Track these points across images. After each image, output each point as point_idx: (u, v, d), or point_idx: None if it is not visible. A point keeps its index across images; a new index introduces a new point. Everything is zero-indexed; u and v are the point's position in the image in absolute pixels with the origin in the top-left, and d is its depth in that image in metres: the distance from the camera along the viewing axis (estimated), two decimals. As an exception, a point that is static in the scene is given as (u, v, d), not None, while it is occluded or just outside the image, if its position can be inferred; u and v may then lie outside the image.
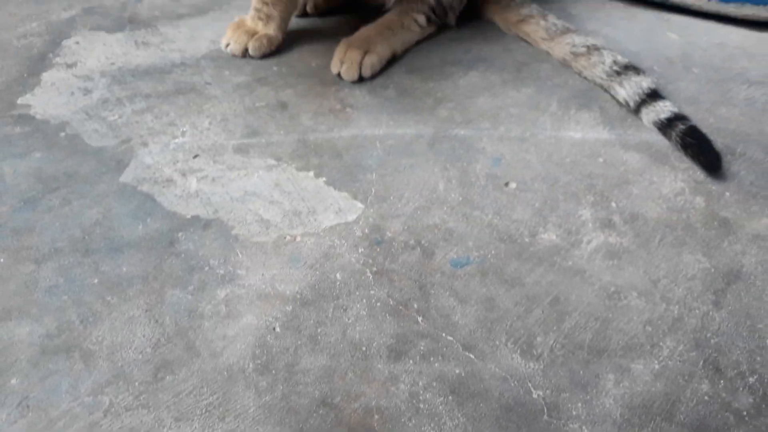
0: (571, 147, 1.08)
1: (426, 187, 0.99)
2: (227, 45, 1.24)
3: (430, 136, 1.09)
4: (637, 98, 1.14)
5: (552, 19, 1.33)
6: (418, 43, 1.33)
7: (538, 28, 1.32)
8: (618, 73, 1.19)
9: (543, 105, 1.18)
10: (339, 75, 1.20)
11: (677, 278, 0.86)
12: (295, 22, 1.31)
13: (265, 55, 1.24)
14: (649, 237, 0.92)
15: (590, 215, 0.95)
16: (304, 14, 1.35)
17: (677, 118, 1.08)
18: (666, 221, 0.95)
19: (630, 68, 1.18)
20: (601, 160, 1.05)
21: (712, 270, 0.87)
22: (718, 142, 1.10)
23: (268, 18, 1.22)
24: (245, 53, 1.23)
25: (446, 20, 1.35)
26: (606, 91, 1.21)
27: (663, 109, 1.10)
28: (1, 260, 0.83)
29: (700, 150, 1.04)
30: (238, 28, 1.24)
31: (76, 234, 0.87)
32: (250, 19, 1.24)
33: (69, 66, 1.19)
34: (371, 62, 1.20)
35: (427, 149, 1.06)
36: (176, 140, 1.04)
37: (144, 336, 0.74)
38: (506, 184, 1.00)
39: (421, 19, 1.30)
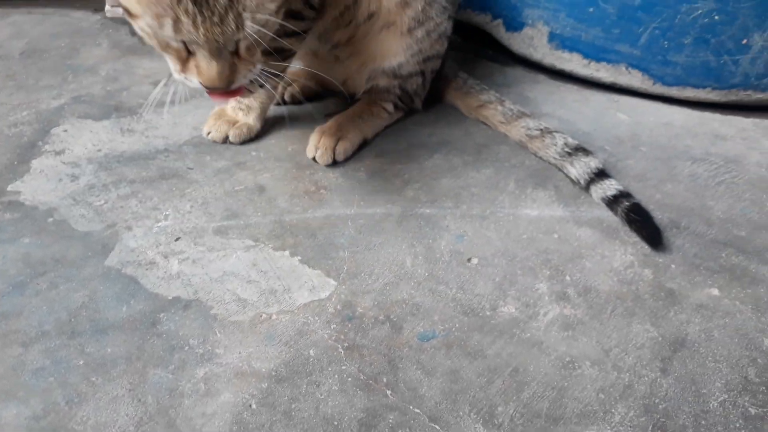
0: (528, 224, 1.16)
1: (395, 263, 1.06)
2: (208, 133, 1.32)
3: (399, 215, 1.17)
4: (586, 177, 1.24)
5: (508, 104, 1.44)
6: (387, 127, 1.43)
7: (495, 112, 1.43)
8: (569, 154, 1.30)
9: (501, 185, 1.27)
10: (314, 159, 1.28)
11: (627, 347, 0.93)
12: (273, 109, 1.41)
13: (245, 142, 1.33)
14: (601, 308, 0.99)
15: (546, 288, 1.03)
16: (281, 102, 1.45)
17: (622, 195, 1.18)
18: (617, 293, 1.02)
19: (579, 149, 1.29)
20: (556, 236, 1.14)
21: (660, 339, 0.95)
22: (665, 216, 1.20)
23: (248, 108, 1.32)
24: (226, 140, 1.32)
25: (413, 106, 1.45)
26: (559, 170, 1.31)
27: (609, 187, 1.20)
28: (-10, 344, 0.87)
29: (643, 225, 1.13)
30: (219, 118, 1.33)
31: (62, 317, 0.91)
32: (230, 109, 1.33)
33: (57, 153, 1.26)
34: (344, 148, 1.29)
35: (396, 227, 1.14)
36: (159, 224, 1.10)
37: (127, 415, 0.78)
38: (469, 260, 1.07)
39: (389, 106, 1.40)
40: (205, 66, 0.90)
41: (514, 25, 1.68)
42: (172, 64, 0.95)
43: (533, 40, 1.66)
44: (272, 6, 0.89)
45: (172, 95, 1.01)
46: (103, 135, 1.33)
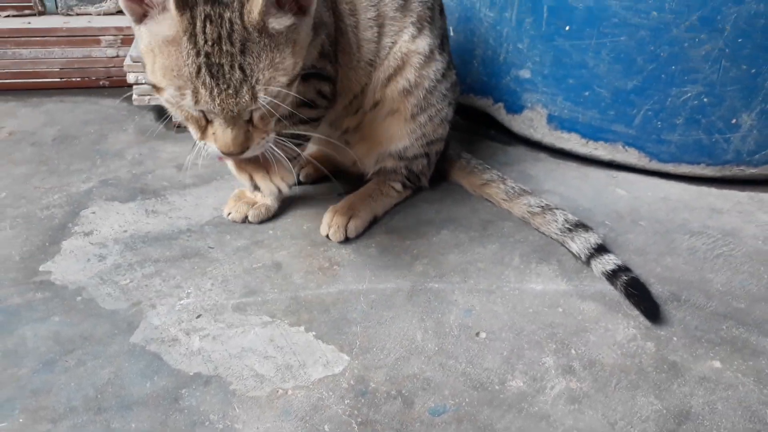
0: (534, 298, 1.21)
1: (405, 337, 1.10)
2: (229, 213, 1.40)
3: (408, 290, 1.22)
4: (587, 252, 1.30)
5: (510, 182, 1.52)
6: (397, 205, 1.50)
7: (498, 190, 1.51)
8: (570, 230, 1.36)
9: (507, 260, 1.33)
10: (328, 236, 1.35)
11: (633, 420, 0.96)
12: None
13: (263, 221, 1.41)
14: (606, 381, 1.03)
15: (553, 362, 1.06)
16: (297, 183, 1.53)
17: (621, 270, 1.23)
18: (621, 366, 1.06)
19: (580, 225, 1.35)
20: (560, 309, 1.18)
21: (664, 411, 0.97)
22: (665, 290, 1.24)
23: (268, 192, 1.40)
24: (245, 220, 1.39)
25: (420, 184, 1.54)
26: (561, 245, 1.37)
27: (609, 262, 1.26)
28: (21, 420, 0.91)
29: (641, 299, 1.18)
30: (239, 200, 1.41)
31: (89, 393, 0.96)
32: (249, 191, 1.42)
33: (86, 234, 1.34)
34: (356, 225, 1.36)
35: (406, 302, 1.19)
36: (181, 302, 1.16)
37: (150, 490, 0.82)
38: (477, 334, 1.12)
39: (398, 186, 1.48)
40: (221, 133, 0.98)
41: (515, 108, 1.79)
42: (193, 131, 1.03)
43: (533, 122, 1.76)
44: (284, 80, 0.96)
45: (197, 156, 1.09)
46: (129, 216, 1.41)
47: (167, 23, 0.91)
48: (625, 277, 1.22)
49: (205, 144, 1.03)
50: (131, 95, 1.84)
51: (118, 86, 2.05)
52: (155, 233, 1.36)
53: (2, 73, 1.97)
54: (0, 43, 1.95)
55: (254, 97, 0.93)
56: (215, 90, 0.91)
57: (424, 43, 1.36)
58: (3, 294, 1.16)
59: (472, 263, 1.31)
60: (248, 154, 1.03)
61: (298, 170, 1.53)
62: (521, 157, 1.79)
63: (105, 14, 2.11)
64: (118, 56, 2.03)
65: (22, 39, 1.97)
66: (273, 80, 0.94)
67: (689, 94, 1.53)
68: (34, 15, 2.06)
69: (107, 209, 1.43)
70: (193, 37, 0.90)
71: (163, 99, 0.98)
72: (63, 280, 1.21)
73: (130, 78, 1.80)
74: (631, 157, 1.66)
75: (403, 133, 1.40)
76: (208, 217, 1.43)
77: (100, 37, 2.01)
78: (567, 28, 1.59)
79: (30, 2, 2.05)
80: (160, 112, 1.89)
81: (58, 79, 2.02)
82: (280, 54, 0.95)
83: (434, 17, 1.42)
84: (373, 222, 1.43)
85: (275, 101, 0.96)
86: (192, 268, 1.25)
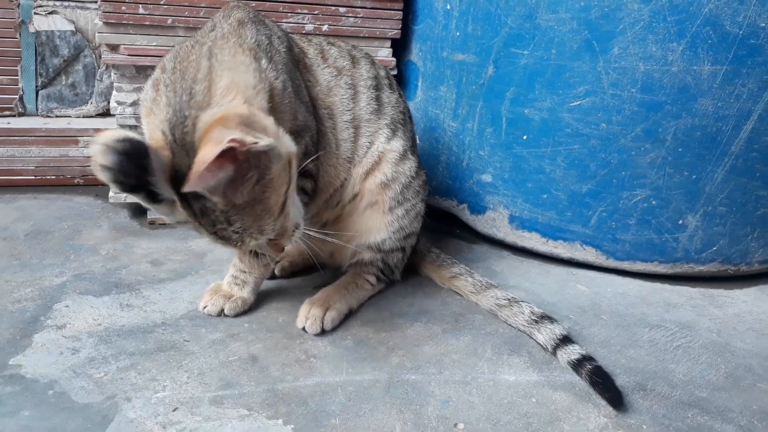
0: (508, 389, 1.24)
1: (385, 430, 1.11)
2: (205, 307, 1.41)
3: (386, 381, 1.24)
4: (552, 342, 1.36)
5: (477, 276, 1.59)
6: (371, 298, 1.54)
7: (466, 283, 1.58)
8: (536, 322, 1.42)
9: (480, 351, 1.37)
10: (304, 329, 1.37)
11: (611, 506, 0.97)
12: (264, 284, 1.52)
13: (239, 314, 1.42)
14: (582, 468, 1.05)
15: (530, 450, 1.08)
16: (272, 276, 1.57)
17: (585, 359, 1.29)
18: (595, 453, 1.09)
19: (545, 317, 1.42)
20: (534, 399, 1.22)
21: (640, 497, 0.99)
22: (631, 380, 1.30)
23: (243, 283, 1.43)
24: (221, 313, 1.41)
25: (393, 277, 1.59)
26: (529, 336, 1.43)
27: (573, 351, 1.31)
28: None
29: (605, 388, 1.23)
30: (215, 293, 1.43)
31: (61, 489, 0.92)
32: (226, 284, 1.44)
33: (59, 327, 1.32)
34: (332, 317, 1.39)
35: (384, 394, 1.20)
36: (157, 395, 1.15)
37: None
38: (455, 425, 1.13)
39: (372, 279, 1.54)
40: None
41: (478, 209, 1.90)
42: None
43: (495, 222, 1.87)
44: (270, 231, 1.13)
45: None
46: (104, 310, 1.40)
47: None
48: (590, 366, 1.27)
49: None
50: (107, 193, 1.88)
51: (93, 184, 2.09)
52: (130, 327, 1.35)
53: (-24, 171, 2.00)
54: (-23, 141, 1.99)
55: (252, 243, 1.14)
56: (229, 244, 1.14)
57: (398, 143, 1.48)
58: (-30, 388, 1.13)
59: (446, 355, 1.34)
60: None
61: (273, 264, 1.57)
62: (486, 255, 1.87)
63: (84, 117, 2.18)
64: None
65: (0, 138, 2.01)
66: (265, 227, 1.12)
67: (639, 197, 1.67)
68: (14, 116, 2.12)
69: (81, 303, 1.43)
70: (198, 223, 1.12)
71: None
72: (34, 373, 1.18)
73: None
74: (589, 255, 1.77)
75: (382, 225, 1.48)
76: (184, 310, 1.43)
77: (78, 138, 2.07)
78: (524, 137, 1.74)
79: (11, 104, 2.11)
80: (135, 210, 1.93)
81: (33, 177, 2.05)
82: (263, 204, 1.10)
83: (405, 121, 1.55)
84: (349, 314, 1.46)
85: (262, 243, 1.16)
86: (168, 361, 1.25)
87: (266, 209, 1.09)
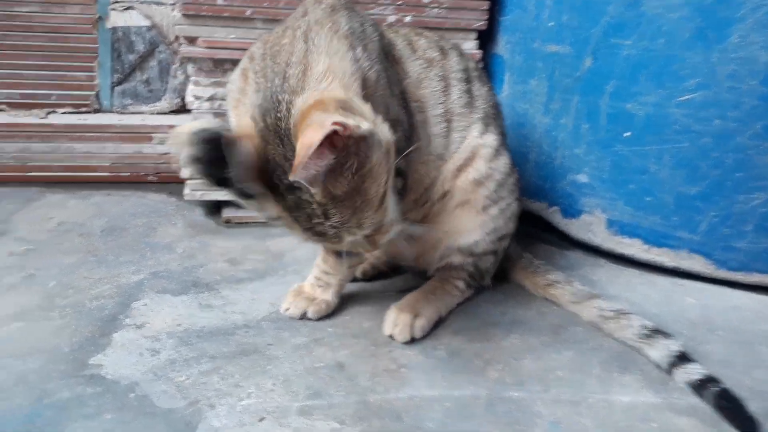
0: (623, 411, 1.11)
1: (489, 452, 1.00)
2: (287, 309, 1.33)
3: (486, 398, 1.12)
4: (668, 360, 1.21)
5: (577, 284, 1.46)
6: (459, 305, 1.43)
7: (565, 292, 1.45)
8: (647, 336, 1.28)
9: (586, 368, 1.24)
10: (391, 336, 1.27)
11: None
12: (346, 287, 1.43)
13: (322, 318, 1.33)
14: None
15: (660, 483, 0.95)
16: (354, 279, 1.47)
17: (709, 380, 1.14)
18: (736, 490, 0.94)
19: (658, 332, 1.27)
20: (654, 425, 1.08)
21: None
22: (761, 406, 1.14)
23: (327, 285, 1.34)
24: (303, 316, 1.32)
25: (483, 283, 1.47)
26: (638, 352, 1.29)
27: (694, 371, 1.17)
28: None
29: (735, 414, 1.08)
30: (297, 295, 1.34)
31: (147, 504, 0.85)
32: (308, 286, 1.36)
33: (138, 327, 1.27)
34: (421, 325, 1.28)
35: (485, 411, 1.09)
36: (242, 402, 1.07)
37: None
38: (569, 450, 1.01)
39: (461, 284, 1.42)
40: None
41: (571, 212, 1.76)
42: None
43: (591, 226, 1.73)
44: (369, 225, 1.03)
45: None
46: (182, 310, 1.34)
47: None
48: (715, 389, 1.12)
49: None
50: (180, 190, 1.83)
51: (166, 182, 2.05)
52: (210, 328, 1.28)
53: (54, 166, 1.98)
54: (55, 137, 1.98)
55: (349, 237, 1.04)
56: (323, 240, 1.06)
57: (491, 138, 1.37)
58: (51, 388, 1.07)
59: (550, 371, 1.22)
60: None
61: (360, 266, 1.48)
62: (580, 262, 1.73)
63: (158, 113, 2.16)
64: (168, 153, 2.05)
65: (77, 134, 1.99)
66: (365, 222, 1.02)
67: (757, 201, 1.50)
68: (90, 112, 2.11)
69: (159, 302, 1.37)
70: (294, 217, 1.04)
71: None
72: (115, 374, 1.12)
73: (184, 173, 1.80)
74: (697, 264, 1.61)
75: (474, 225, 1.37)
76: (265, 312, 1.36)
77: (152, 134, 2.04)
78: (626, 134, 1.59)
79: (87, 100, 2.10)
80: (210, 207, 1.87)
81: (108, 174, 2.02)
82: (360, 195, 0.99)
83: (497, 115, 1.44)
84: (438, 322, 1.35)
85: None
86: (251, 366, 1.17)
87: (366, 201, 0.99)
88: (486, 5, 1.86)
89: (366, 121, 0.95)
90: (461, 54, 1.42)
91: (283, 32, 1.12)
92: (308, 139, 0.87)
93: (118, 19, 2.04)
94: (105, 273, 1.48)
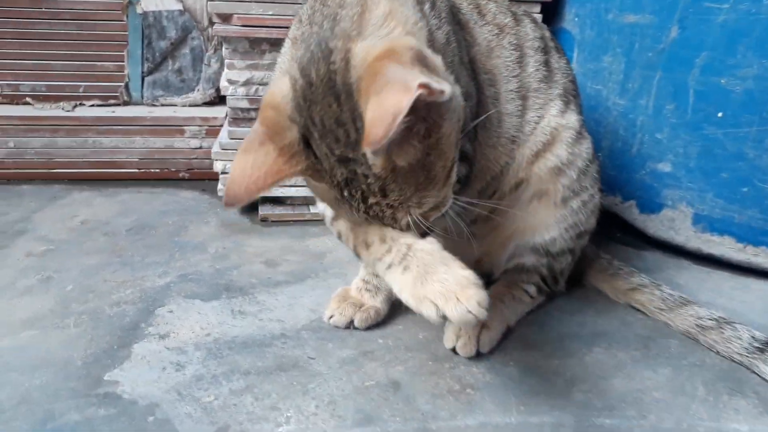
0: (747, 444, 0.90)
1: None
2: (331, 317, 1.16)
3: (573, 427, 0.93)
4: None
5: (666, 289, 1.25)
6: (529, 313, 1.23)
7: (653, 297, 1.25)
8: (760, 350, 1.07)
9: (688, 389, 1.03)
10: (453, 350, 1.09)
11: None
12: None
13: (370, 327, 1.16)
14: None
15: None
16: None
17: None
18: None
19: None
20: (788, 462, 0.87)
21: None
22: None
23: (376, 290, 1.17)
24: (350, 325, 1.15)
25: (556, 288, 1.27)
26: (749, 369, 1.07)
27: None
28: None
29: None
30: (343, 301, 1.17)
31: None
32: (355, 290, 1.18)
33: (162, 337, 1.11)
34: (489, 337, 1.10)
35: (572, 444, 0.89)
36: (280, 429, 0.89)
37: None
38: (684, 496, 0.81)
39: (532, 289, 1.23)
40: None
41: (651, 206, 1.54)
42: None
43: (674, 222, 1.51)
44: (431, 204, 0.86)
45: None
46: (213, 317, 1.18)
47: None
48: None
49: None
50: (214, 187, 1.68)
51: (199, 179, 1.91)
52: (243, 338, 1.12)
53: (80, 162, 1.86)
54: (82, 131, 1.86)
55: (408, 216, 0.86)
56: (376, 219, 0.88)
57: (573, 117, 1.17)
58: (59, 408, 0.92)
59: (644, 392, 1.01)
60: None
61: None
62: (660, 263, 1.51)
63: (191, 105, 2.02)
64: (201, 147, 1.90)
65: (104, 127, 1.87)
66: (426, 200, 0.85)
67: None
68: (119, 105, 1.98)
69: (187, 308, 1.21)
70: (346, 203, 0.87)
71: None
72: (132, 393, 0.96)
73: (218, 167, 1.65)
74: (805, 266, 1.37)
75: (551, 220, 1.17)
76: (305, 320, 1.19)
77: (185, 127, 1.90)
78: (719, 114, 1.37)
79: (116, 92, 1.98)
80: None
81: (137, 170, 1.89)
82: (424, 171, 0.82)
83: (576, 93, 1.24)
84: (506, 333, 1.16)
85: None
86: (290, 384, 0.99)
87: (430, 177, 0.81)
88: (552, -28, 1.67)
89: (445, 81, 0.77)
90: (535, 21, 1.23)
91: None
92: (392, 103, 0.69)
93: (149, 3, 1.91)
94: (129, 275, 1.33)
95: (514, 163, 1.15)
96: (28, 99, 1.92)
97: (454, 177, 0.86)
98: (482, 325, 1.10)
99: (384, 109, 0.69)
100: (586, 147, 1.18)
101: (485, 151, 1.12)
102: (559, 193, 1.16)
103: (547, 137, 1.14)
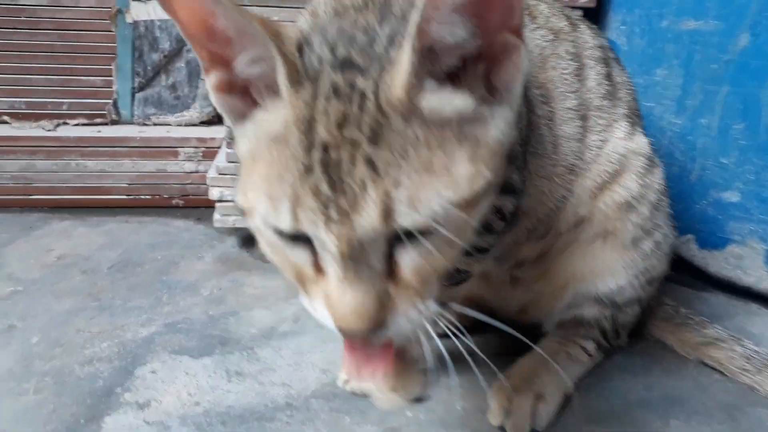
0: None
1: None
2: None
3: None
4: None
5: (749, 344, 1.05)
6: (585, 374, 1.03)
7: (733, 355, 1.04)
8: None
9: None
10: (502, 428, 0.87)
11: None
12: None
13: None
14: None
15: None
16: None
17: None
18: None
19: None
20: None
21: None
22: None
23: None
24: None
25: (617, 342, 1.07)
26: None
27: None
28: None
29: None
30: (362, 362, 0.96)
31: None
32: (376, 347, 0.97)
33: (140, 406, 0.90)
34: (546, 411, 0.89)
35: None
36: None
37: None
38: None
39: (591, 346, 1.02)
40: (336, 292, 0.57)
41: (713, 241, 1.34)
42: (294, 281, 0.64)
43: (742, 261, 1.30)
44: (448, 194, 0.55)
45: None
46: (204, 379, 0.97)
47: (277, 114, 0.58)
48: None
49: (312, 306, 0.63)
50: (211, 216, 1.48)
51: (194, 206, 1.71)
52: (240, 408, 0.91)
53: (62, 188, 1.66)
54: (64, 153, 1.66)
55: (387, 212, 0.54)
56: (327, 199, 0.55)
57: (642, 141, 0.98)
58: None
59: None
60: (385, 333, 0.60)
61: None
62: (726, 308, 1.30)
63: (186, 125, 1.83)
64: (197, 171, 1.71)
65: (89, 149, 1.68)
66: (426, 192, 0.55)
67: None
68: (106, 124, 1.80)
69: (173, 367, 1.00)
70: (309, 123, 0.56)
71: (254, 224, 0.61)
72: (98, 490, 0.75)
73: (214, 194, 1.45)
74: None
75: (619, 265, 0.97)
76: (315, 384, 0.98)
77: (179, 149, 1.71)
78: (800, 135, 1.18)
79: (103, 110, 1.79)
80: (246, 237, 1.51)
81: (125, 196, 1.70)
82: (445, 153, 0.56)
83: (640, 110, 1.05)
84: (564, 402, 0.95)
85: (436, 227, 0.55)
86: (299, 476, 0.79)
87: (448, 167, 0.58)
88: (596, -25, 1.48)
89: None
90: (590, 27, 1.04)
91: None
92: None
93: (140, 11, 1.72)
94: (106, 323, 1.13)
95: (573, 197, 0.95)
96: (5, 117, 1.73)
97: (478, 209, 0.61)
98: (537, 396, 0.89)
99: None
100: (658, 177, 0.99)
101: (537, 183, 0.91)
102: (629, 233, 0.95)
103: (614, 166, 0.94)
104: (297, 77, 0.57)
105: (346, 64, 0.57)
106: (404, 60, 0.55)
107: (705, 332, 1.09)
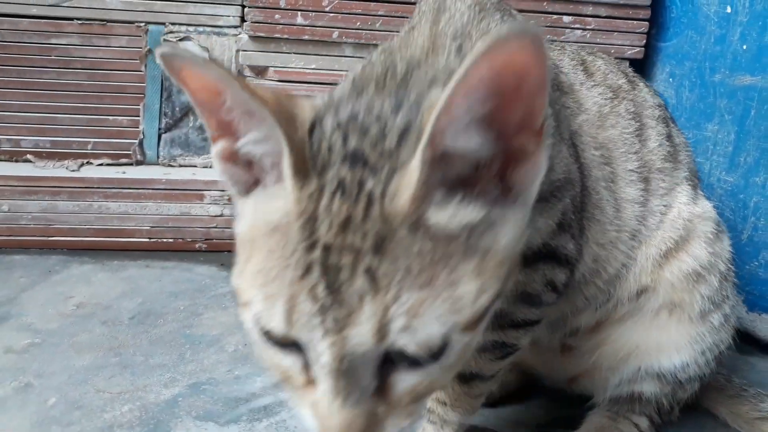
0: None
1: None
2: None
3: None
4: None
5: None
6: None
7: (796, 431, 0.96)
8: None
9: None
10: None
11: None
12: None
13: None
14: None
15: None
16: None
17: None
18: None
19: None
20: None
21: None
22: None
23: (443, 423, 0.89)
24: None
25: (669, 417, 1.00)
26: None
27: None
28: None
29: None
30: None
31: None
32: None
33: (164, 483, 0.84)
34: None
35: None
36: None
37: None
38: None
39: (644, 423, 0.96)
40: (325, 409, 0.53)
41: (764, 304, 1.27)
42: (281, 382, 0.60)
43: (796, 326, 1.23)
44: (453, 318, 0.51)
45: None
46: (231, 452, 0.91)
47: (279, 202, 0.55)
48: None
49: (299, 409, 0.59)
50: (233, 262, 1.43)
51: (217, 251, 1.66)
52: (272, 489, 0.84)
53: (83, 230, 1.62)
54: (87, 194, 1.63)
55: (383, 331, 0.50)
56: (324, 305, 0.51)
57: (707, 205, 0.93)
58: None
59: None
60: None
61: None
62: (778, 376, 1.23)
63: (213, 167, 1.79)
64: (222, 215, 1.67)
65: (113, 191, 1.64)
66: (427, 314, 0.50)
67: None
68: (131, 165, 1.76)
69: (198, 436, 0.94)
70: (311, 220, 0.53)
71: (245, 319, 0.58)
72: None
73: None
74: None
75: (685, 340, 0.91)
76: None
77: (204, 192, 1.67)
78: None
79: (129, 150, 1.76)
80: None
81: (147, 239, 1.65)
82: (450, 269, 0.52)
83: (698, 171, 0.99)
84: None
85: (433, 351, 0.52)
86: None
87: (453, 286, 0.54)
88: (644, 27, 1.44)
89: None
90: (648, 84, 0.99)
91: (408, 33, 0.72)
92: None
93: (169, 53, 1.71)
94: (128, 383, 1.07)
95: (636, 265, 0.89)
96: (29, 156, 1.70)
97: (479, 329, 0.55)
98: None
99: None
100: (727, 244, 0.93)
101: (594, 251, 0.85)
102: (697, 305, 0.89)
103: (680, 232, 0.89)
104: (303, 168, 0.54)
105: (356, 159, 0.54)
106: (413, 170, 0.51)
107: (763, 407, 1.02)
